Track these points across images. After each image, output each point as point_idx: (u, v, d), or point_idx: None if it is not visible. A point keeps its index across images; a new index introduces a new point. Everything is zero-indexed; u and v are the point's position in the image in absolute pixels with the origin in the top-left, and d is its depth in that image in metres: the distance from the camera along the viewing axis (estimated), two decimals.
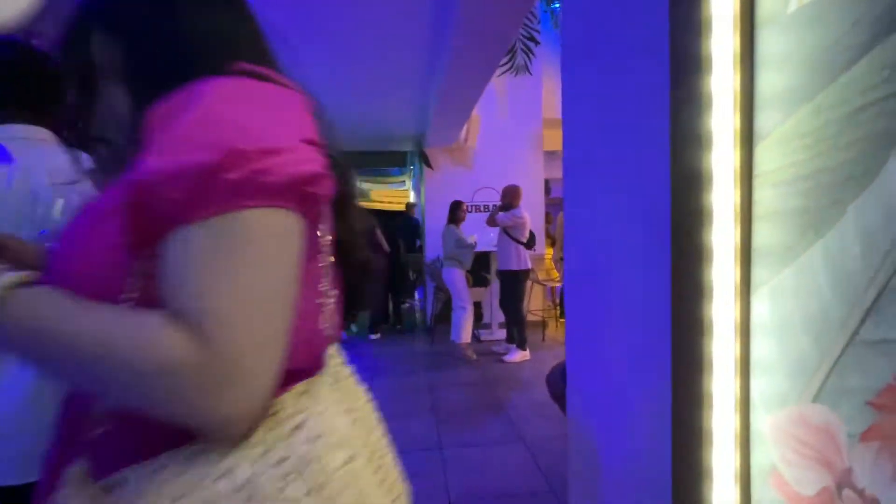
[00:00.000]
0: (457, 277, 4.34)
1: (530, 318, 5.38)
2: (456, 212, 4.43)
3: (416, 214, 6.34)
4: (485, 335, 5.14)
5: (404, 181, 13.43)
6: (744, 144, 0.63)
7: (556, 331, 5.47)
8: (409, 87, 3.97)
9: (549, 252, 6.03)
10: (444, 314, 5.30)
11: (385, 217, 9.03)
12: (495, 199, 5.63)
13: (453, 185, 5.54)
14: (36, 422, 0.79)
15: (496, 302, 5.11)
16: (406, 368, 4.17)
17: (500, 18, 2.57)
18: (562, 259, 5.57)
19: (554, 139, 6.53)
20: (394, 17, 2.71)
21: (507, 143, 5.63)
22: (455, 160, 5.57)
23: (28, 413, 0.81)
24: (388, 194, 16.74)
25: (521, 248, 4.33)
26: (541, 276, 5.39)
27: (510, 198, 4.42)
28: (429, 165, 5.51)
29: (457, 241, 4.31)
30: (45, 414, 0.75)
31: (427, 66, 3.50)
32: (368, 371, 4.00)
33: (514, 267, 4.27)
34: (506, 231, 4.34)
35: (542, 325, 5.16)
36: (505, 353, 4.36)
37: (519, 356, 4.27)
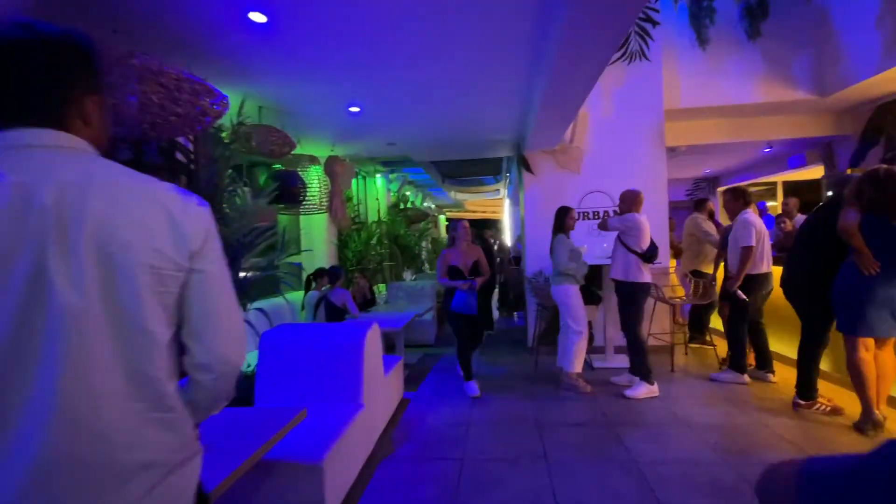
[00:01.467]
0: (572, 295, 3.79)
1: (654, 342, 4.59)
2: (564, 219, 3.90)
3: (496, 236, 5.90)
4: (598, 362, 4.48)
5: (498, 189, 13.06)
6: None
7: (685, 359, 4.59)
8: (508, 84, 3.59)
9: (672, 264, 5.14)
10: (548, 335, 4.75)
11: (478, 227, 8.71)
12: (606, 204, 4.96)
13: (558, 190, 5.00)
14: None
15: (611, 322, 4.43)
16: (508, 395, 3.72)
17: (615, 2, 2.08)
18: (690, 274, 4.69)
19: (676, 133, 5.65)
20: (494, 5, 2.36)
21: (620, 141, 4.94)
22: (559, 163, 5.02)
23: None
24: (482, 203, 16.52)
25: (638, 259, 3.66)
26: (665, 292, 4.58)
27: (629, 204, 3.78)
28: (529, 170, 5.04)
29: (571, 253, 3.78)
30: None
31: (530, 59, 3.09)
32: (444, 396, 3.64)
33: (631, 278, 3.62)
34: (621, 240, 3.71)
35: (670, 351, 4.35)
36: (627, 386, 3.70)
37: (645, 391, 3.58)
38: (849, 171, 5.48)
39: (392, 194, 9.23)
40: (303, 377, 2.62)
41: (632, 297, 3.65)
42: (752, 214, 3.63)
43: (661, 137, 4.91)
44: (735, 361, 3.80)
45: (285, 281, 3.14)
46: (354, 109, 3.91)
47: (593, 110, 4.97)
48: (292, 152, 4.63)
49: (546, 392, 3.76)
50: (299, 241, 5.60)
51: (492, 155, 6.56)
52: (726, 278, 3.87)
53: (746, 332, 3.75)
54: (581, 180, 4.99)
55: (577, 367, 3.80)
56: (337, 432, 2.22)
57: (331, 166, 5.02)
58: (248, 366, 2.96)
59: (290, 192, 4.03)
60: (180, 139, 2.78)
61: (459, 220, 3.95)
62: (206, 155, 2.79)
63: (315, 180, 4.80)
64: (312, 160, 4.76)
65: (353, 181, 7.53)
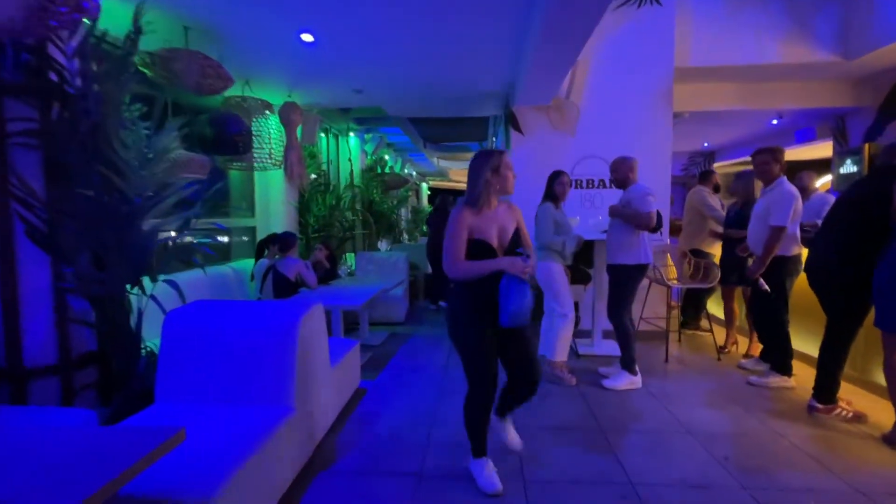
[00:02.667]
0: (556, 274, 3.25)
1: (646, 328, 4.13)
2: (553, 186, 3.31)
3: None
4: (584, 348, 4.01)
5: None
6: None
7: (679, 348, 4.16)
8: (498, 15, 2.92)
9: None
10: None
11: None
12: (603, 172, 4.38)
13: (549, 154, 4.39)
14: None
15: (601, 303, 3.94)
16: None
17: None
18: (689, 253, 4.20)
19: (680, 97, 5.04)
20: None
21: (622, 101, 4.32)
22: (552, 123, 4.39)
23: None
24: (466, 173, 15.78)
25: (644, 235, 3.14)
26: (666, 274, 4.10)
27: (625, 172, 3.23)
28: (518, 129, 4.40)
29: (557, 226, 3.22)
30: None
31: None
32: (407, 385, 3.11)
33: (630, 261, 3.10)
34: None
35: (664, 338, 3.90)
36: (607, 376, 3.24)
37: (626, 383, 3.13)
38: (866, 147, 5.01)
39: (367, 157, 8.47)
40: (218, 371, 2.03)
41: (627, 279, 3.14)
42: (791, 185, 3.08)
43: (669, 99, 4.31)
44: (778, 360, 3.22)
45: (204, 247, 2.49)
46: (307, 38, 3.18)
47: (594, 61, 4.31)
48: (245, 96, 3.90)
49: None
50: (252, 200, 4.90)
51: (477, 113, 5.87)
52: (742, 260, 3.38)
53: (787, 322, 3.17)
54: (575, 143, 4.38)
55: (562, 355, 3.30)
56: (248, 450, 1.65)
57: (286, 114, 4.29)
58: (146, 349, 2.35)
59: (227, 139, 3.33)
60: (56, 54, 2.06)
61: (491, 152, 2.02)
62: (88, 74, 2.08)
63: (269, 130, 4.08)
64: (266, 106, 4.03)
65: (323, 139, 6.77)
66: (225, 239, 4.63)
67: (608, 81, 4.32)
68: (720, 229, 4.08)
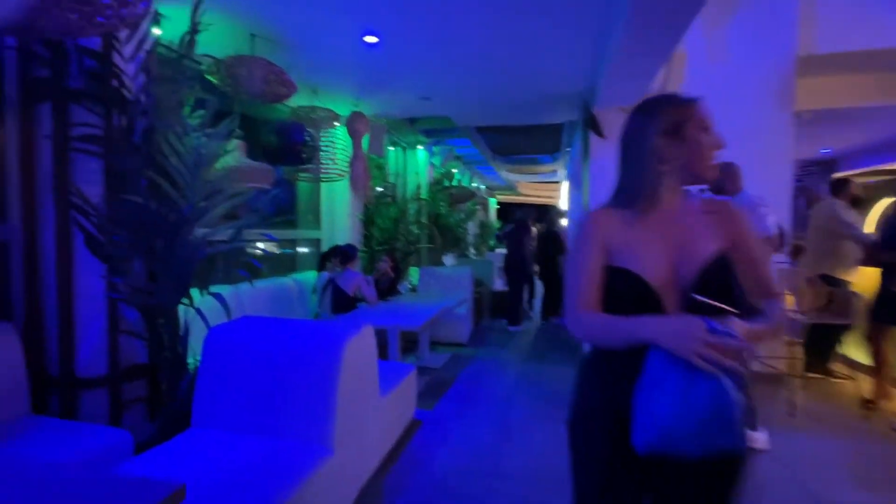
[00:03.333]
0: None
1: (762, 369, 3.41)
2: None
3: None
4: None
5: (556, 170, 11.75)
6: None
7: (805, 396, 3.36)
8: (578, 17, 2.55)
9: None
10: None
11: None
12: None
13: None
14: None
15: None
16: (560, 426, 2.76)
17: None
18: (821, 280, 3.42)
19: (802, 92, 4.24)
20: None
21: (730, 97, 3.68)
22: None
23: None
24: (537, 187, 15.25)
25: None
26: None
27: (735, 180, 2.66)
28: (599, 133, 3.93)
29: None
30: None
31: None
32: (467, 419, 2.70)
33: None
34: None
35: (786, 384, 3.15)
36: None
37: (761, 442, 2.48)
38: None
39: (435, 170, 8.33)
40: (256, 397, 1.82)
41: None
42: None
43: (789, 93, 3.60)
44: None
45: (253, 259, 2.35)
46: (371, 40, 3.01)
47: (694, 52, 3.74)
48: (313, 106, 3.86)
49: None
50: (318, 212, 4.87)
51: (550, 119, 5.44)
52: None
53: None
54: None
55: None
56: (275, 499, 1.39)
57: (352, 124, 4.19)
58: (191, 364, 2.22)
59: (291, 148, 3.25)
60: (118, 60, 2.03)
61: (663, 99, 1.04)
62: (144, 78, 2.02)
63: (335, 141, 4.01)
64: (333, 116, 3.96)
65: (391, 152, 6.72)
66: (276, 251, 4.63)
67: (712, 75, 3.71)
68: (859, 252, 3.27)
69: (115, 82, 1.99)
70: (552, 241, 6.23)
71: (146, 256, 2.06)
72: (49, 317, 2.09)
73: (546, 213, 6.66)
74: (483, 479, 2.21)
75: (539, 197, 16.72)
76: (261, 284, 3.70)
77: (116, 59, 1.99)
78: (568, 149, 7.58)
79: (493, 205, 15.67)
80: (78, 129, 2.00)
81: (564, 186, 12.35)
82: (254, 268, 2.36)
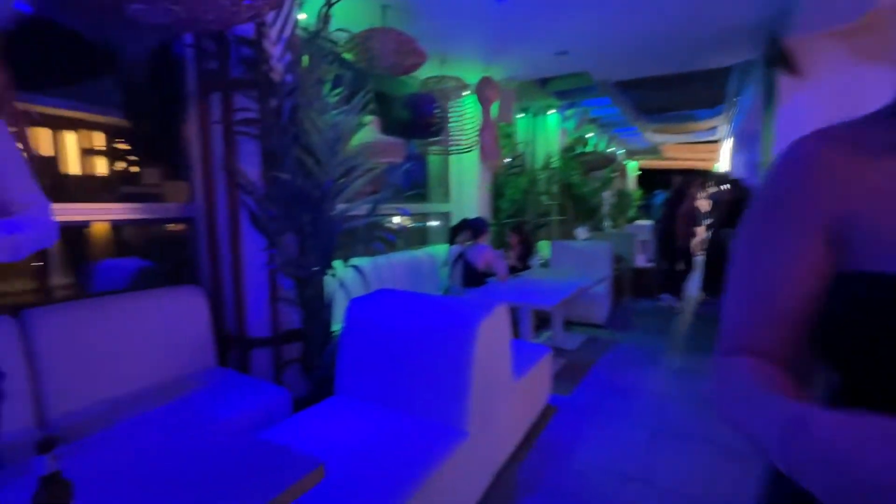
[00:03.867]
0: None
1: None
2: None
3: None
4: None
5: (715, 127, 9.92)
6: None
7: None
8: None
9: None
10: None
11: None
12: None
13: (848, 98, 2.92)
14: None
15: None
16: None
17: None
18: None
19: None
20: None
21: None
22: (857, 52, 2.89)
23: None
24: (687, 149, 13.26)
25: None
26: None
27: None
28: (793, 71, 3.06)
29: None
30: None
31: None
32: (609, 412, 2.35)
33: None
34: None
35: None
36: None
37: None
38: None
39: (568, 135, 7.72)
40: (391, 371, 1.83)
41: None
42: None
43: None
44: None
45: (387, 233, 2.36)
46: None
47: None
48: (442, 75, 3.79)
49: None
50: (448, 185, 4.86)
51: (715, 64, 4.50)
52: None
53: None
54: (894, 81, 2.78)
55: None
56: (410, 481, 1.35)
57: (482, 91, 4.00)
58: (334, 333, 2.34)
59: (422, 121, 3.20)
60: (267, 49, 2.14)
61: None
62: (287, 60, 2.11)
63: (464, 111, 3.88)
64: (462, 86, 3.82)
65: (520, 120, 6.38)
66: (409, 224, 4.73)
67: None
68: None
69: (265, 67, 2.12)
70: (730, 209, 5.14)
71: (296, 230, 2.21)
72: (226, 284, 2.40)
73: (722, 177, 5.60)
74: (631, 484, 1.93)
75: (689, 160, 14.53)
76: (395, 257, 3.84)
77: (265, 44, 2.10)
78: (736, 98, 6.29)
79: (632, 171, 14.14)
80: (239, 115, 2.20)
81: (726, 146, 10.47)
82: (389, 241, 2.37)
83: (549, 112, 6.82)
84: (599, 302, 4.33)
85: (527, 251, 4.54)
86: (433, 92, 3.67)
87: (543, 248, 5.89)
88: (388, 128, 3.39)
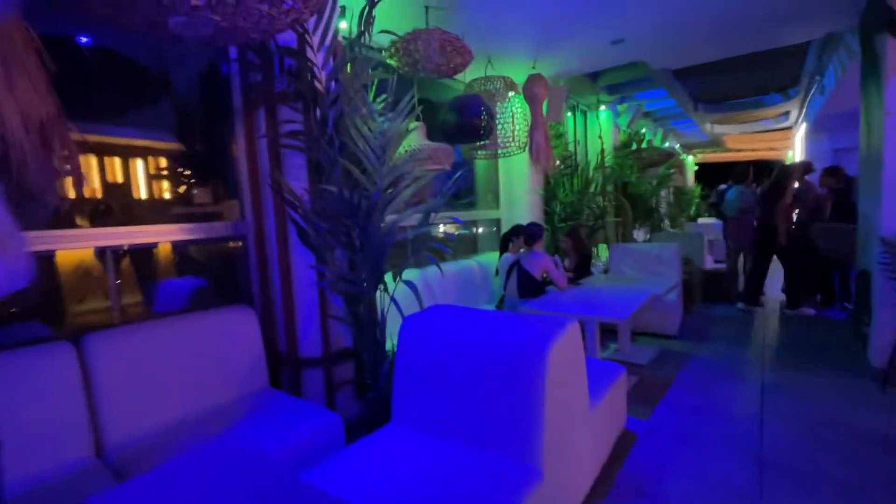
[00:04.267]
0: None
1: None
2: None
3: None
4: None
5: (787, 112, 9.03)
6: None
7: None
8: None
9: None
10: None
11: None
12: None
13: None
14: None
15: None
16: (843, 477, 1.93)
17: None
18: None
19: None
20: None
21: None
22: None
23: None
24: (755, 139, 12.24)
25: None
26: None
27: None
28: None
29: None
30: None
31: None
32: (696, 438, 2.00)
33: None
34: None
35: None
36: None
37: None
38: None
39: (621, 132, 7.30)
40: (452, 397, 1.64)
41: None
42: None
43: None
44: None
45: (439, 244, 2.19)
46: None
47: None
48: (488, 76, 3.62)
49: None
50: (497, 190, 4.66)
51: (789, 40, 4.02)
52: None
53: None
54: None
55: None
56: None
57: (530, 88, 3.78)
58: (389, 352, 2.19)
59: (468, 124, 3.03)
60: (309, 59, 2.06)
61: None
62: (330, 67, 2.01)
63: (512, 110, 3.68)
64: (510, 85, 3.63)
65: (570, 118, 6.08)
66: (458, 233, 4.55)
67: None
68: None
69: (308, 76, 2.03)
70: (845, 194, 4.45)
71: (345, 245, 2.10)
72: (277, 302, 2.33)
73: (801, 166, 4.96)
74: None
75: (755, 151, 13.42)
76: (446, 267, 3.68)
77: (308, 53, 2.02)
78: (818, 77, 5.64)
79: (690, 166, 13.24)
80: (284, 127, 2.13)
81: (800, 133, 9.54)
82: (441, 252, 2.21)
83: (600, 108, 6.47)
84: (669, 310, 3.94)
85: (585, 257, 4.23)
86: (479, 94, 3.50)
87: (601, 253, 5.53)
88: (434, 133, 3.25)
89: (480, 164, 4.67)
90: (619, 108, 7.13)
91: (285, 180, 2.11)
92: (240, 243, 2.45)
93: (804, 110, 7.77)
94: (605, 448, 2.04)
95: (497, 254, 4.05)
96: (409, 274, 2.86)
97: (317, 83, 2.03)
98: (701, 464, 2.04)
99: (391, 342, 2.23)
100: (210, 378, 2.03)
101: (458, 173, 2.45)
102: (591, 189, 5.36)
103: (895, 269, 2.64)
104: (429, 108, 3.83)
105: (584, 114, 6.52)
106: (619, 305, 2.72)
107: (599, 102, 6.32)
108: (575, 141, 6.01)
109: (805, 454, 2.06)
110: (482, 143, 3.43)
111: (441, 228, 4.00)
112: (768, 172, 5.13)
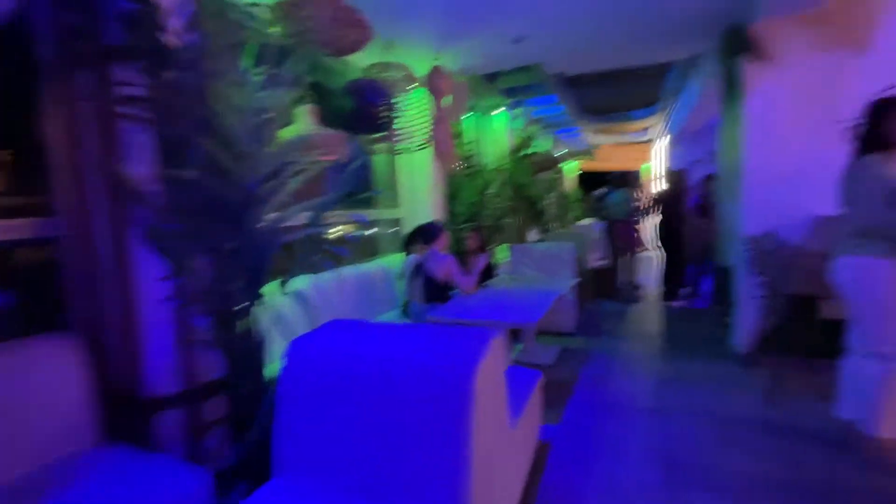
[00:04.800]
0: (880, 279, 1.88)
1: None
2: (881, 124, 1.90)
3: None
4: None
5: (647, 128, 10.28)
6: None
7: None
8: None
9: None
10: (782, 337, 2.84)
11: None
12: None
13: (816, 87, 2.84)
14: None
15: None
16: (729, 473, 2.04)
17: None
18: None
19: None
20: None
21: None
22: (826, 37, 2.82)
23: None
24: (621, 149, 13.75)
25: None
26: None
27: None
28: (760, 56, 2.94)
29: (890, 194, 1.82)
30: None
31: None
32: (609, 440, 2.03)
33: None
34: None
35: None
36: None
37: None
38: None
39: (516, 136, 7.53)
40: (352, 438, 1.32)
41: None
42: None
43: None
44: None
45: (336, 248, 1.85)
46: None
47: None
48: (388, 62, 3.31)
49: (810, 456, 1.97)
50: (396, 188, 4.39)
51: (664, 57, 4.44)
52: None
53: None
54: (868, 68, 2.74)
55: (892, 427, 1.90)
56: None
57: (434, 81, 3.58)
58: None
59: (368, 112, 2.71)
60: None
61: None
62: (189, 20, 1.54)
63: (415, 105, 3.43)
64: (409, 78, 3.37)
65: (467, 120, 6.05)
66: (357, 233, 4.20)
67: None
68: None
69: (154, 28, 1.54)
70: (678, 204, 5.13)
71: (210, 250, 1.63)
72: (113, 327, 1.75)
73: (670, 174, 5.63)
74: None
75: (621, 161, 15.12)
76: (342, 273, 3.30)
77: None
78: (676, 97, 6.39)
79: (571, 173, 14.43)
80: (120, 91, 1.59)
81: (659, 146, 10.90)
82: (338, 256, 1.87)
83: (496, 110, 6.56)
84: (567, 308, 4.05)
85: (488, 258, 4.16)
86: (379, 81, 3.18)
87: (502, 253, 5.57)
88: (327, 121, 2.85)
89: (379, 160, 4.34)
90: (515, 112, 7.36)
91: (123, 163, 1.58)
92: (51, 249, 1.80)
93: (665, 125, 8.84)
94: (526, 464, 1.89)
95: (401, 256, 3.78)
96: (299, 283, 2.45)
97: (167, 37, 1.54)
98: (615, 468, 2.00)
99: (276, 369, 1.81)
100: (15, 438, 1.43)
101: (356, 162, 2.12)
102: (491, 190, 5.37)
103: (755, 264, 2.96)
104: (322, 93, 3.40)
105: (482, 116, 6.57)
106: (527, 308, 2.64)
107: (496, 105, 6.41)
108: (474, 142, 6.00)
109: (706, 447, 2.15)
110: (382, 134, 3.13)
111: (339, 229, 3.60)
112: (634, 179, 5.73)
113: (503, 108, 6.55)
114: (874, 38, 2.70)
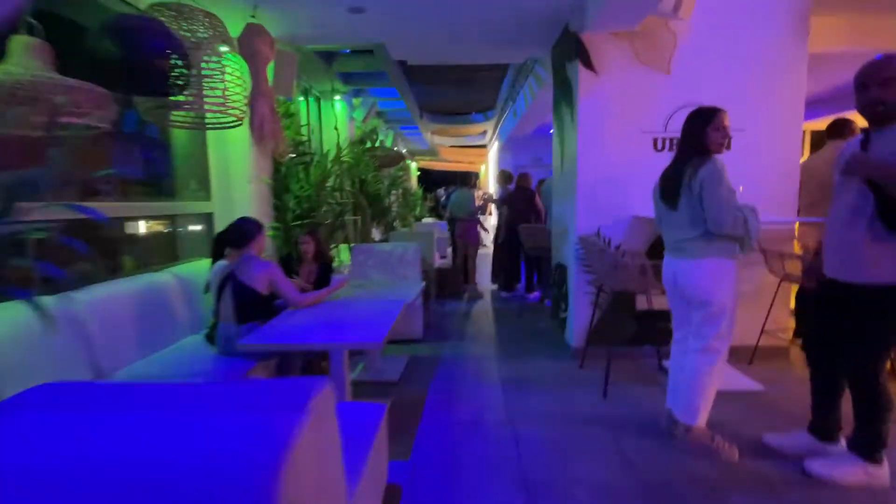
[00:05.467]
0: (724, 279, 2.02)
1: (770, 342, 3.00)
2: (704, 133, 2.05)
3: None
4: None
5: (486, 131, 10.92)
6: None
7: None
8: None
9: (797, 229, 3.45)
10: (609, 332, 3.05)
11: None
12: None
13: (633, 101, 3.12)
14: None
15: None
16: (572, 461, 2.00)
17: None
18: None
19: (827, 32, 3.71)
20: None
21: (739, 26, 3.07)
22: (640, 57, 3.10)
23: None
24: (461, 152, 14.40)
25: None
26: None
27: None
28: (589, 66, 3.09)
29: (730, 196, 1.96)
30: None
31: None
32: (466, 471, 1.83)
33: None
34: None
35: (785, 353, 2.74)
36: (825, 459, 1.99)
37: (858, 474, 1.87)
38: None
39: (356, 127, 7.04)
40: None
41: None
42: None
43: (803, 31, 3.07)
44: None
45: (77, 244, 1.16)
46: None
47: None
48: (182, 4, 2.47)
49: (647, 453, 2.05)
50: (208, 176, 3.49)
51: (505, 58, 4.54)
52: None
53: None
54: (670, 86, 3.11)
55: (703, 417, 2.09)
56: None
57: (250, 43, 2.87)
58: None
59: (144, 62, 1.92)
60: None
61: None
62: None
63: (223, 65, 2.67)
64: (222, 34, 2.60)
65: (302, 103, 5.33)
66: (141, 232, 3.26)
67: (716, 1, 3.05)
68: None
69: None
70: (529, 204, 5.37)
71: None
72: None
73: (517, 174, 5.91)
74: None
75: (461, 163, 15.93)
76: (121, 286, 2.38)
77: None
78: (510, 102, 6.76)
79: (414, 171, 14.56)
80: None
81: (493, 150, 11.67)
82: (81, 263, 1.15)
83: (335, 97, 5.97)
84: (413, 313, 3.79)
85: (326, 266, 3.57)
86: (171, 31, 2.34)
87: (343, 254, 5.04)
88: (78, 69, 1.94)
89: (181, 138, 3.38)
90: (355, 101, 6.85)
91: None
92: None
93: (497, 131, 9.45)
94: None
95: (209, 262, 2.94)
96: (17, 309, 1.58)
97: None
98: (475, 502, 1.74)
99: None
100: None
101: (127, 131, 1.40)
102: (330, 183, 4.79)
103: (588, 263, 3.13)
104: (69, 30, 2.38)
105: (318, 101, 5.90)
106: (371, 324, 2.23)
107: (334, 91, 5.83)
108: (309, 128, 5.31)
109: (555, 458, 2.06)
110: (174, 99, 2.33)
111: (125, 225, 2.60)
112: (475, 180, 5.92)
113: (342, 96, 6.01)
114: (674, 61, 3.08)
